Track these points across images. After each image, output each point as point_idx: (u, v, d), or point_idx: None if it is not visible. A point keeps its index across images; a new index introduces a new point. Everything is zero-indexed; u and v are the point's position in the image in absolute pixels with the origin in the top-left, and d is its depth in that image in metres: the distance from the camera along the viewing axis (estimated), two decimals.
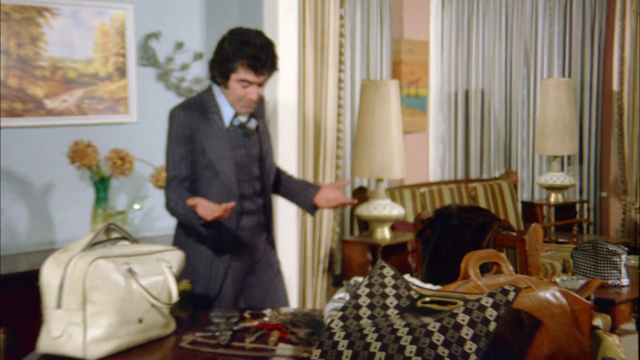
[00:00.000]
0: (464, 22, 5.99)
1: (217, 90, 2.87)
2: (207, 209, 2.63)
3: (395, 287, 1.86)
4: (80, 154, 3.71)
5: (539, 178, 6.17)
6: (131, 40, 4.21)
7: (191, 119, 2.80)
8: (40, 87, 3.93)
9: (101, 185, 3.81)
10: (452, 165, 6.04)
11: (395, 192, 5.38)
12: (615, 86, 6.29)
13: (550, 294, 1.92)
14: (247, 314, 2.49)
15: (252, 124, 2.88)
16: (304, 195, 3.04)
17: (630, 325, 5.40)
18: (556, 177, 6.02)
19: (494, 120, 6.17)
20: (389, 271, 1.89)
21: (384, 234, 4.89)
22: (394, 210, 4.89)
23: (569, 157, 6.51)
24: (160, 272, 2.27)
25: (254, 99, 2.80)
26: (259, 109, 2.96)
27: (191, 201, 2.66)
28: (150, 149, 4.22)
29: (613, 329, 4.16)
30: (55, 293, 2.13)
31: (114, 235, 2.34)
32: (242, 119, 2.86)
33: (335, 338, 1.74)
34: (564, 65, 6.50)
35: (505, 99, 6.25)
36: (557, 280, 4.34)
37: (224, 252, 2.87)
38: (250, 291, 3.02)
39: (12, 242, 3.85)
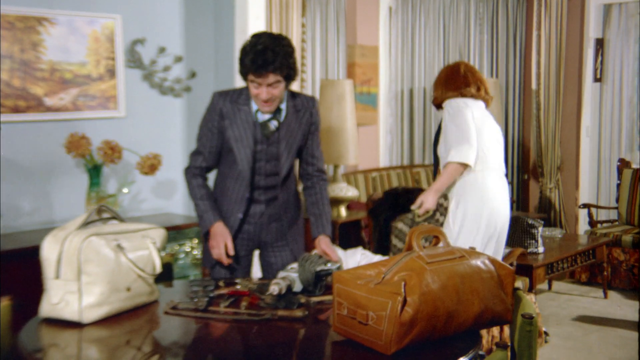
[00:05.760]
0: (408, 30, 5.98)
1: None
2: (215, 245, 2.68)
3: None
4: (75, 145, 3.65)
5: None
6: (119, 46, 4.13)
7: (222, 105, 2.66)
8: (40, 86, 3.83)
9: (94, 171, 3.75)
10: (398, 152, 6.06)
11: (350, 176, 5.38)
12: (533, 85, 6.36)
13: (480, 262, 1.93)
14: (221, 283, 2.47)
15: (273, 125, 2.67)
16: (313, 226, 2.76)
17: (544, 286, 5.51)
18: None
19: (434, 114, 6.20)
20: None
21: (341, 212, 4.89)
22: (349, 192, 4.88)
23: None
24: (145, 247, 2.24)
25: (263, 98, 2.56)
26: (307, 109, 2.75)
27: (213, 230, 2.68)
28: (137, 140, 4.17)
29: (531, 289, 4.24)
30: (54, 265, 2.10)
31: (105, 215, 2.29)
32: (265, 117, 2.66)
33: None
34: (492, 67, 6.55)
35: None
36: None
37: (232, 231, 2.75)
38: (267, 268, 2.88)
39: (16, 221, 3.77)
